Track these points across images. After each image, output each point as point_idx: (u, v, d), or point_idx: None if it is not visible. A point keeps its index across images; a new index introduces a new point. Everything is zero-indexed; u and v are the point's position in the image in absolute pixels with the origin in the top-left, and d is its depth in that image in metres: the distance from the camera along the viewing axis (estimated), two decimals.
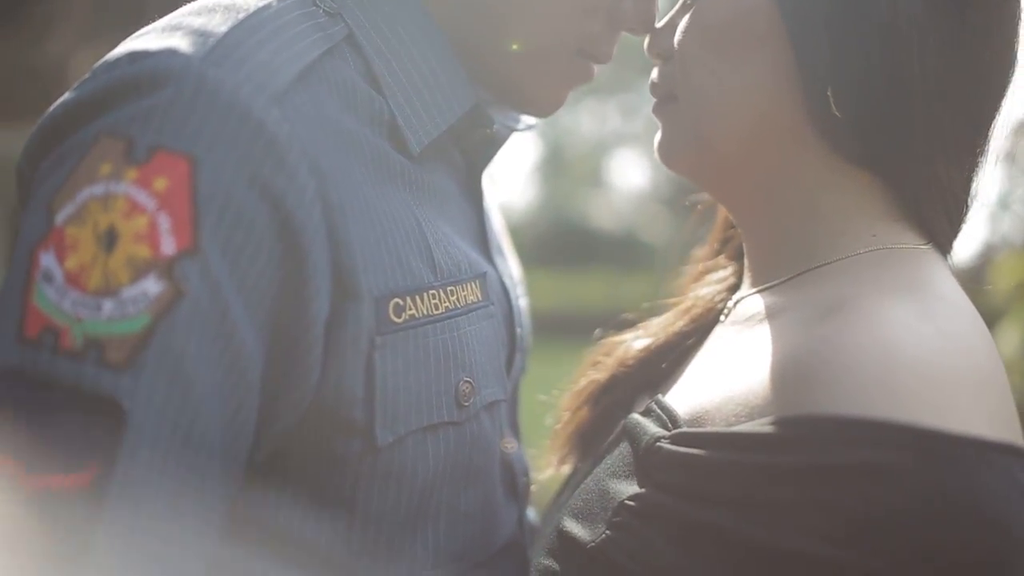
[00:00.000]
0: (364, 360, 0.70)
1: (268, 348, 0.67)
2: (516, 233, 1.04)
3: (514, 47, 0.82)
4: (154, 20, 0.72)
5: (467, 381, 0.76)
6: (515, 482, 0.88)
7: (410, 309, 0.72)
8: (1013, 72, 0.74)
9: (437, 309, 0.74)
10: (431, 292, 0.74)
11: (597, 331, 1.01)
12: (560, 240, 15.73)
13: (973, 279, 0.83)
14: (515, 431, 0.95)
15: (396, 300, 0.71)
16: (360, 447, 0.71)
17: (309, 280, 0.67)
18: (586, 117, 18.09)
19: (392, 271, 0.72)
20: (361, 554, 0.73)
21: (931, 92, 0.71)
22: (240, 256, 0.65)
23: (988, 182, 0.78)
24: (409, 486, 0.73)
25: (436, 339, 0.74)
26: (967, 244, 0.79)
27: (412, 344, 0.72)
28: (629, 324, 0.99)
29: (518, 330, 0.90)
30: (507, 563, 0.86)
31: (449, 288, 0.76)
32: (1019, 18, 0.74)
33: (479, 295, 0.80)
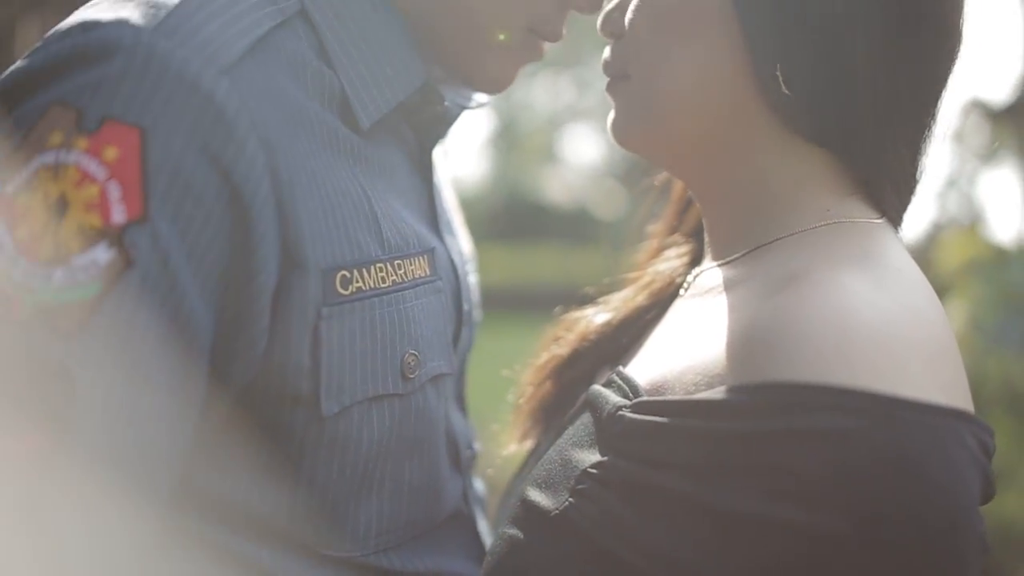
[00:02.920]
0: (310, 331, 0.71)
1: (216, 317, 0.67)
2: (468, 207, 1.04)
3: (465, 25, 0.82)
4: None
5: (413, 354, 0.77)
6: (459, 454, 0.89)
7: (357, 282, 0.73)
8: (959, 51, 0.75)
9: (384, 282, 0.75)
10: (378, 265, 0.75)
11: (558, 307, 1.02)
12: (512, 215, 15.71)
13: (920, 257, 0.84)
14: (461, 405, 0.95)
15: (343, 272, 0.72)
16: (306, 417, 0.72)
17: (257, 250, 0.67)
18: (539, 91, 18.03)
19: (339, 244, 0.72)
20: (305, 521, 0.74)
21: (878, 70, 0.71)
22: (190, 225, 0.65)
23: (936, 161, 0.79)
24: (354, 456, 0.74)
25: (383, 312, 0.75)
26: (915, 223, 0.80)
27: (359, 316, 0.73)
28: (589, 299, 0.99)
29: (465, 306, 0.90)
30: (453, 533, 0.87)
31: (397, 262, 0.77)
32: None
33: (427, 270, 0.80)
